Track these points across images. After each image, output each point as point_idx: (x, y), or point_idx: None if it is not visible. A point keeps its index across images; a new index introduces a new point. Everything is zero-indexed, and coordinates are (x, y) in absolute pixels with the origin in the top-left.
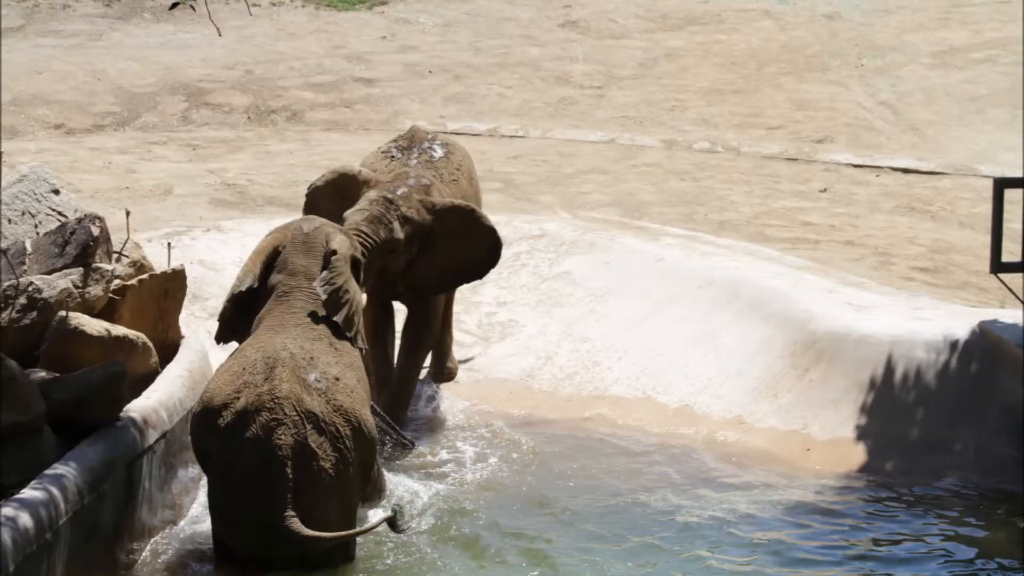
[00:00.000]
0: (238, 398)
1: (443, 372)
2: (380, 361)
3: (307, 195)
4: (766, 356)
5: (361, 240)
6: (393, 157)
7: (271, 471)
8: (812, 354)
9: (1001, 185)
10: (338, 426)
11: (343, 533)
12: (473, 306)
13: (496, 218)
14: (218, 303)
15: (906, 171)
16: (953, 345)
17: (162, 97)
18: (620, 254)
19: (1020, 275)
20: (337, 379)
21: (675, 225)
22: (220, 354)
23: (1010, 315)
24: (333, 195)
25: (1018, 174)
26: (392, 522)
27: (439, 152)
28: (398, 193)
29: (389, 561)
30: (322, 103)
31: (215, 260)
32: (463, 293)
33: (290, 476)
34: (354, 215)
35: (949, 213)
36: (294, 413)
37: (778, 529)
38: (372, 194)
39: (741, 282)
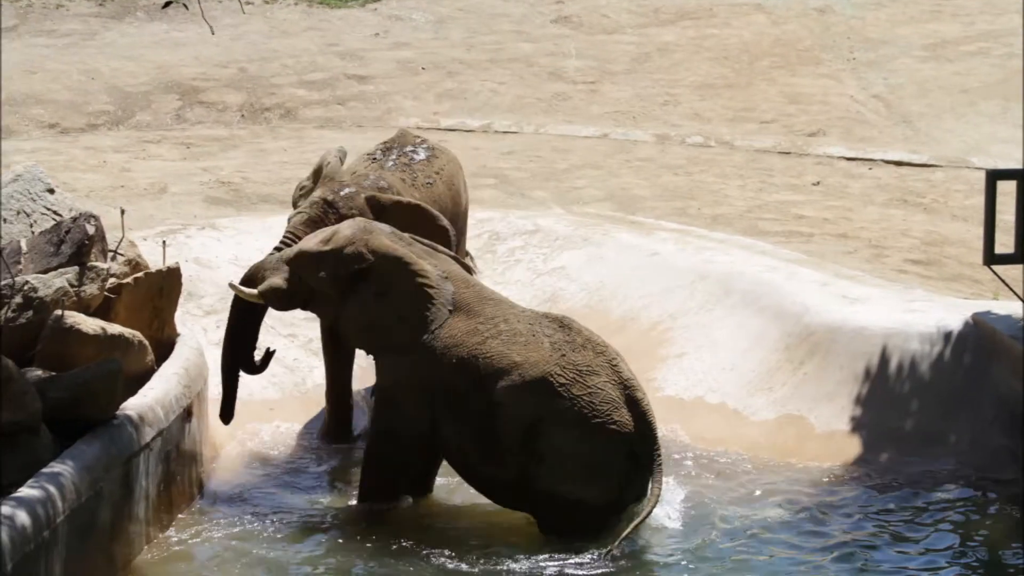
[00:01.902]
0: (572, 357)
1: None
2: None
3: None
4: (761, 350)
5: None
6: (375, 159)
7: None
8: (807, 347)
9: (994, 177)
10: None
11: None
12: None
13: (490, 214)
14: (213, 301)
15: (899, 164)
16: (947, 337)
17: (156, 96)
18: (614, 249)
19: (1013, 267)
20: None
21: (669, 219)
22: (216, 352)
23: (1004, 307)
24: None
25: (1010, 166)
26: None
27: (420, 155)
28: (341, 193)
29: None
30: (315, 100)
31: (210, 258)
32: None
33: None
34: (295, 216)
35: (942, 205)
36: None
37: (774, 522)
38: (316, 194)
39: (735, 276)
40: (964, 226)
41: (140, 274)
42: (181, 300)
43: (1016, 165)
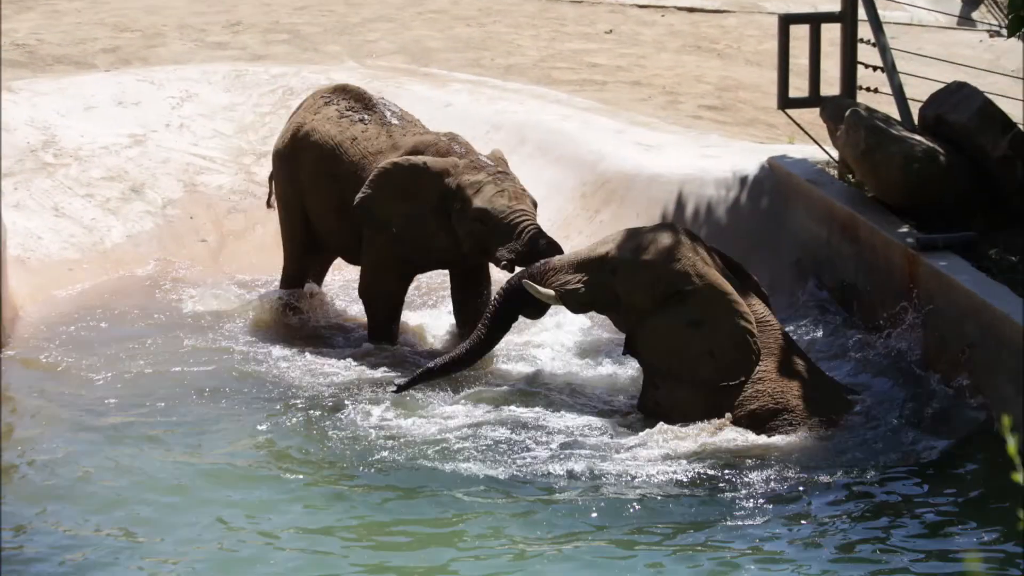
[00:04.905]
0: None
1: None
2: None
3: (362, 206)
4: (557, 198)
5: (530, 219)
6: (360, 120)
7: None
8: (603, 195)
9: (786, 21)
10: None
11: None
12: (264, 157)
13: (283, 69)
14: (10, 163)
15: (691, 10)
16: (743, 182)
17: None
18: (408, 101)
19: (808, 110)
20: None
21: (462, 71)
22: (12, 214)
23: (799, 151)
24: (400, 197)
25: (803, 10)
26: None
27: (398, 109)
28: (488, 162)
29: None
30: None
31: (7, 121)
32: (252, 144)
33: None
34: (493, 200)
35: (735, 51)
36: None
37: (557, 370)
38: (480, 176)
39: (530, 126)
40: (758, 71)
41: None
42: None
43: (809, 9)
